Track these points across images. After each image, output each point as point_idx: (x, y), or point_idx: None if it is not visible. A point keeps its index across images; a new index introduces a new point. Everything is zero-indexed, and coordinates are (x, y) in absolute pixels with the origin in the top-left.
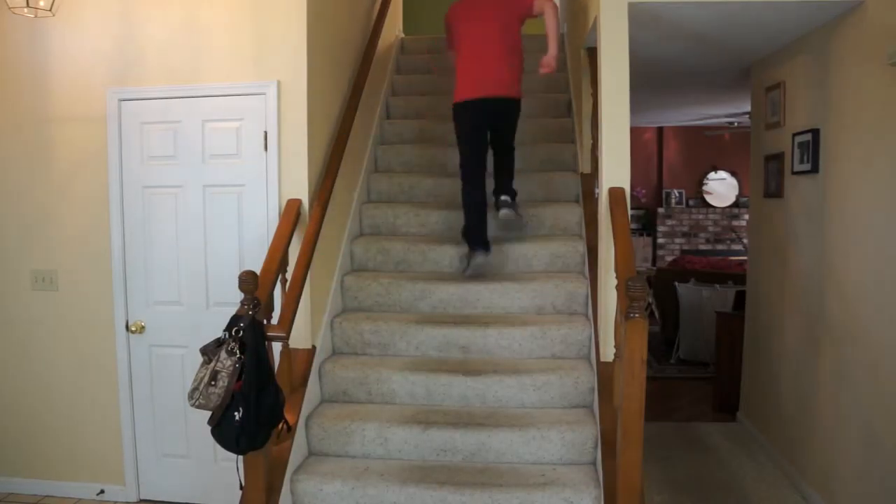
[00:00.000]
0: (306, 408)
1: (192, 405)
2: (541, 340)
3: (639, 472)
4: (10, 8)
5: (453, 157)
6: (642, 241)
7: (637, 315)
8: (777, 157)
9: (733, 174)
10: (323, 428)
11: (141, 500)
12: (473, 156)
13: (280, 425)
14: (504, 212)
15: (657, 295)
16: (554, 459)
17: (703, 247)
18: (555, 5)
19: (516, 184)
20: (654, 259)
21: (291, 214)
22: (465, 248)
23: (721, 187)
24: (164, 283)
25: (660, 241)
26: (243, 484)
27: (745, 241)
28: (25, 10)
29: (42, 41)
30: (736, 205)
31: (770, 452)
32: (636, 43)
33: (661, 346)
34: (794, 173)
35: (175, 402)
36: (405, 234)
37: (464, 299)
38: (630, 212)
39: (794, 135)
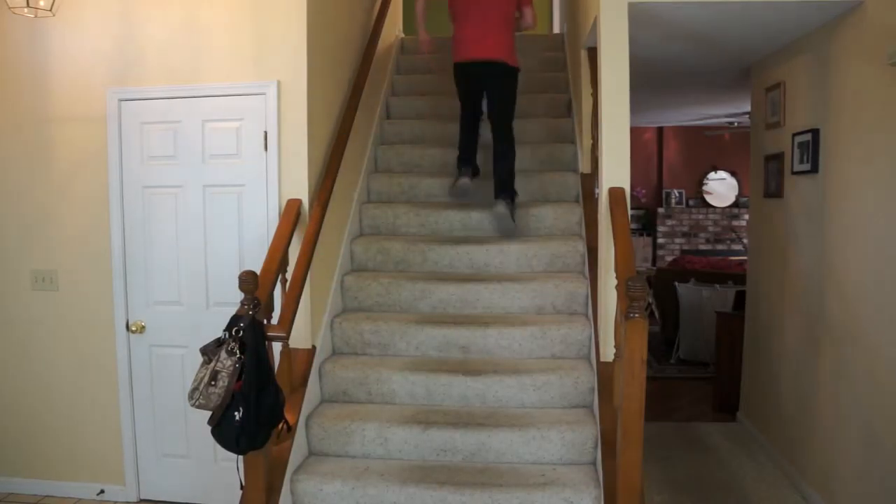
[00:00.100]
0: (306, 408)
1: (192, 405)
2: (541, 340)
3: (639, 472)
4: (10, 8)
5: (454, 157)
6: (642, 241)
7: (637, 315)
8: (777, 157)
9: (733, 174)
10: (323, 428)
11: (141, 500)
12: (470, 108)
13: (280, 425)
14: (499, 209)
15: (657, 295)
16: (554, 459)
17: (703, 247)
18: (534, 13)
19: (518, 184)
20: (654, 259)
21: (291, 214)
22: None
23: (721, 187)
24: (164, 283)
25: (660, 241)
26: (243, 484)
27: (745, 241)
28: (25, 10)
29: (42, 41)
30: (736, 205)
31: (770, 452)
32: (636, 43)
33: (661, 346)
34: (793, 173)
35: (175, 402)
36: (405, 234)
37: (464, 299)
38: (630, 212)
39: (794, 135)
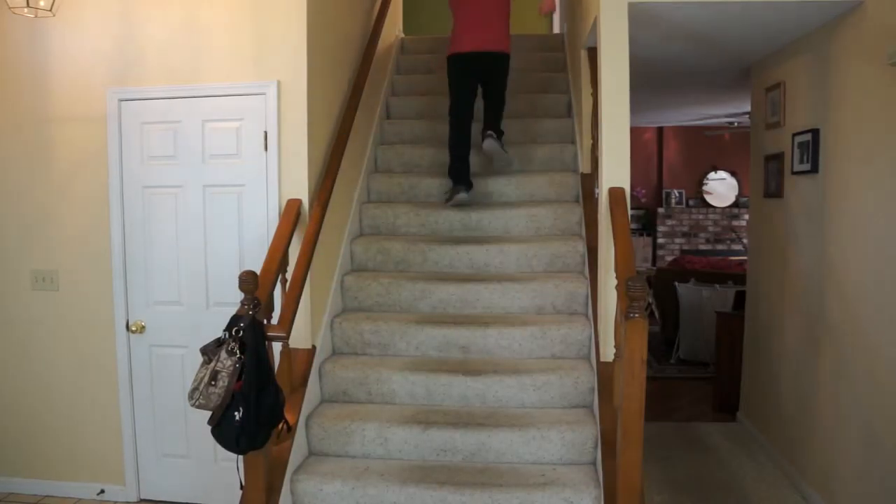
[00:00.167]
0: (306, 408)
1: (192, 405)
2: (541, 340)
3: (639, 472)
4: (10, 8)
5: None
6: (642, 241)
7: (637, 315)
8: (777, 157)
9: (733, 174)
10: (323, 428)
11: (141, 500)
12: (463, 103)
13: (280, 425)
14: (488, 142)
15: (657, 295)
16: (554, 459)
17: (703, 247)
18: None
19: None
20: (654, 259)
21: (291, 214)
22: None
23: (721, 187)
24: (164, 283)
25: (660, 241)
26: (243, 484)
27: (745, 241)
28: (25, 10)
29: (42, 41)
30: (736, 205)
31: (770, 452)
32: (636, 43)
33: (661, 346)
34: (794, 173)
35: (175, 402)
36: (405, 234)
37: (464, 299)
38: (630, 212)
39: (794, 135)
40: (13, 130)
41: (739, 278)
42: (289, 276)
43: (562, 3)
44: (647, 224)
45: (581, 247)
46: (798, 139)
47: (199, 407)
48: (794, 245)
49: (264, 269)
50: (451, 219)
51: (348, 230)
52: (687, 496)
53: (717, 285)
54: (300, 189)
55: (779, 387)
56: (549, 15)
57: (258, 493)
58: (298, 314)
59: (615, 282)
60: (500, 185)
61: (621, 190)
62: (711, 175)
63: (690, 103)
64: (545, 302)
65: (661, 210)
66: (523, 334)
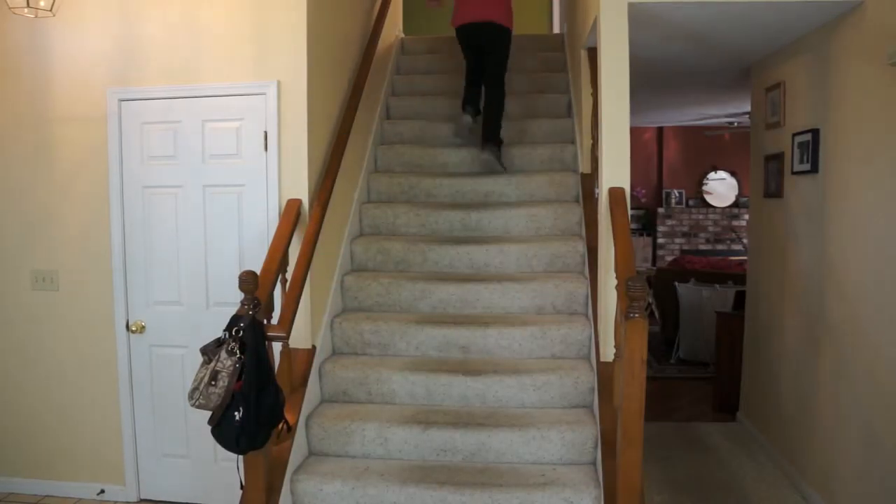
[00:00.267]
0: (306, 408)
1: (192, 405)
2: (541, 340)
3: (639, 472)
4: (10, 8)
5: (453, 157)
6: (642, 241)
7: (637, 315)
8: (777, 157)
9: (733, 174)
10: (323, 428)
11: (141, 500)
12: (474, 65)
13: (280, 425)
14: (485, 156)
15: (657, 295)
16: (554, 459)
17: (703, 247)
18: None
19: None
20: (654, 259)
21: (291, 214)
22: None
23: (721, 187)
24: (164, 283)
25: (660, 241)
26: (243, 484)
27: (745, 241)
28: (25, 10)
29: (42, 41)
30: (736, 205)
31: (770, 452)
32: (636, 43)
33: (661, 346)
34: (793, 173)
35: (175, 402)
36: (405, 234)
37: (464, 299)
38: (630, 212)
39: (794, 135)
40: (13, 130)
41: (739, 278)
42: (289, 276)
43: (562, 3)
44: (647, 224)
45: (581, 247)
46: (798, 139)
47: (199, 407)
48: (794, 245)
49: (264, 269)
50: (451, 219)
51: (348, 230)
52: (687, 496)
53: (717, 285)
54: (300, 189)
55: (779, 387)
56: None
57: (258, 493)
58: (298, 314)
59: (615, 282)
60: (500, 185)
61: (621, 190)
62: (711, 175)
63: (690, 103)
64: (545, 302)
65: (661, 210)
66: (523, 334)
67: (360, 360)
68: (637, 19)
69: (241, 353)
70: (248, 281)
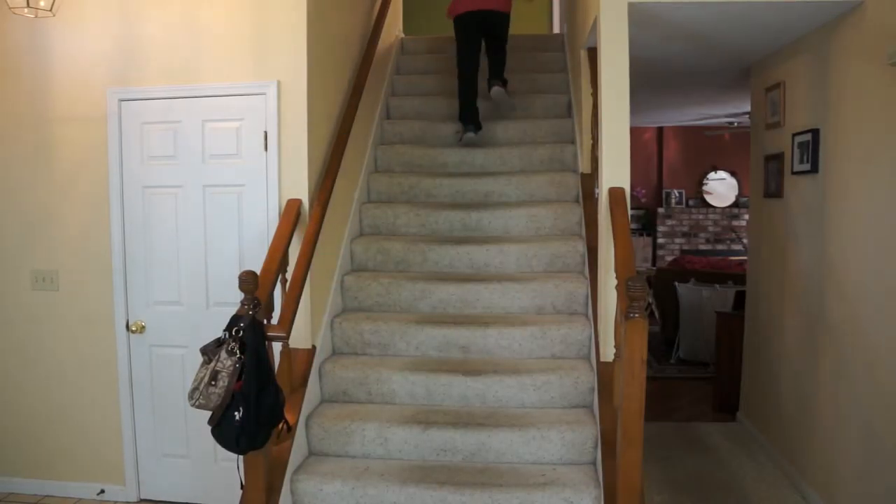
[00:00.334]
0: (306, 408)
1: (193, 405)
2: (541, 340)
3: (639, 472)
4: (10, 8)
5: (453, 157)
6: (642, 241)
7: (637, 315)
8: (777, 157)
9: (733, 174)
10: (323, 428)
11: (141, 500)
12: (467, 59)
13: (280, 425)
14: (495, 90)
15: (657, 295)
16: (554, 459)
17: (703, 247)
18: None
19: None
20: (654, 259)
21: (291, 214)
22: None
23: (721, 187)
24: (164, 283)
25: (660, 241)
26: (243, 484)
27: (745, 241)
28: (25, 10)
29: (42, 41)
30: (736, 205)
31: (770, 452)
32: (636, 43)
33: (661, 346)
34: (793, 173)
35: (175, 402)
36: (405, 234)
37: (464, 299)
38: (630, 212)
39: (794, 135)
40: (13, 130)
41: (739, 278)
42: (289, 276)
43: (562, 3)
44: (647, 224)
45: (581, 247)
46: (798, 139)
47: (199, 407)
48: (794, 245)
49: (264, 269)
50: (451, 219)
51: (348, 230)
52: (687, 496)
53: (717, 285)
54: (300, 189)
55: (779, 387)
56: None
57: (258, 493)
58: (298, 314)
59: (615, 282)
60: (500, 185)
61: (621, 190)
62: (711, 175)
63: (690, 103)
64: (545, 302)
65: (661, 210)
66: (523, 334)
67: (360, 360)
68: (637, 19)
69: (241, 353)
70: (248, 281)
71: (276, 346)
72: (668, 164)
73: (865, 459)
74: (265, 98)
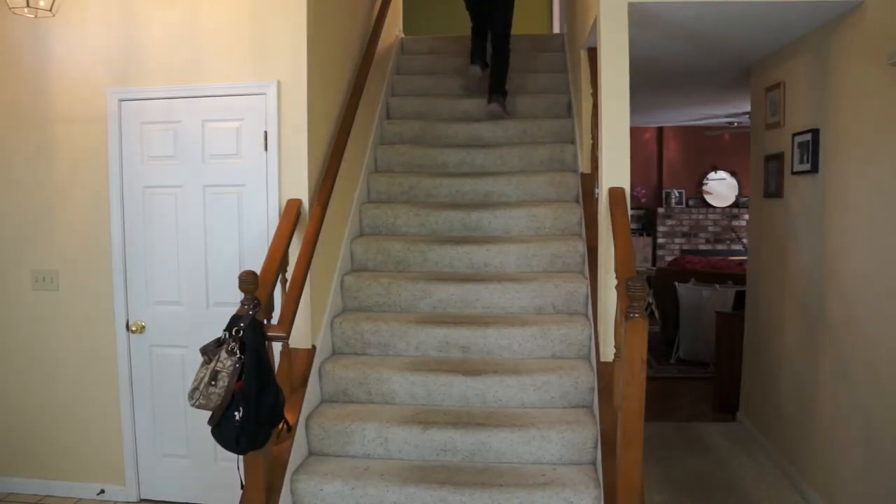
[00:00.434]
0: (306, 408)
1: (193, 405)
2: (541, 340)
3: (639, 472)
4: (10, 8)
5: (453, 157)
6: (642, 241)
7: (637, 315)
8: (777, 157)
9: (733, 174)
10: (323, 428)
11: (141, 500)
12: (478, 25)
13: (280, 425)
14: (492, 106)
15: (657, 295)
16: (554, 459)
17: (703, 247)
18: None
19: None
20: (654, 259)
21: (291, 214)
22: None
23: (721, 187)
24: (164, 283)
25: (660, 241)
26: (243, 484)
27: (745, 241)
28: (25, 10)
29: (42, 41)
30: (736, 205)
31: (770, 452)
32: (636, 43)
33: (661, 346)
34: (793, 173)
35: (175, 402)
36: (405, 234)
37: (464, 299)
38: (630, 212)
39: (794, 135)
40: (14, 130)
41: (739, 278)
42: (289, 276)
43: (562, 3)
44: (647, 224)
45: (581, 247)
46: (798, 139)
47: (199, 407)
48: (794, 245)
49: (264, 269)
50: (451, 219)
51: (348, 230)
52: (687, 496)
53: (717, 285)
54: (300, 189)
55: (779, 387)
56: None
57: (258, 493)
58: (298, 314)
59: (615, 282)
60: (500, 185)
61: (621, 190)
62: (711, 175)
63: (690, 103)
64: (545, 302)
65: (661, 210)
66: (523, 334)
67: (360, 360)
68: (637, 19)
69: (241, 353)
70: (248, 281)
71: (276, 346)
72: (668, 164)
73: (865, 459)
74: (265, 98)
